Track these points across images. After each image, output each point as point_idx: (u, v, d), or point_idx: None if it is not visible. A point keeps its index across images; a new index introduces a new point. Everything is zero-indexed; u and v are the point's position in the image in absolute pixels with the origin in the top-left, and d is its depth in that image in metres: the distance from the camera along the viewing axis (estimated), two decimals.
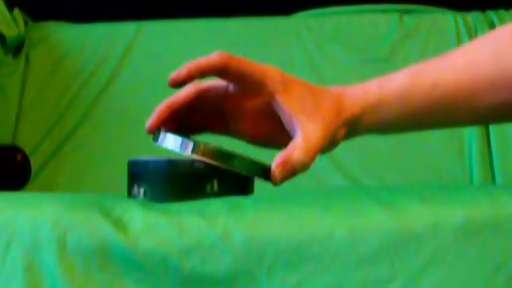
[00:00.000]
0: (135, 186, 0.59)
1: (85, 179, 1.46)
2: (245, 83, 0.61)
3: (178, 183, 0.58)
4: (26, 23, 1.58)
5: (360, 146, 1.42)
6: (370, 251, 0.47)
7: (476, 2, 1.53)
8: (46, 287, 0.47)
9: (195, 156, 0.57)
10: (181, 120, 0.63)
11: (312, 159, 0.60)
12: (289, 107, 0.60)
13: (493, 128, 1.41)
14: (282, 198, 0.54)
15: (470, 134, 1.41)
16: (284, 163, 0.59)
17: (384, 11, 1.55)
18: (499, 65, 0.60)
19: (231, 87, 0.63)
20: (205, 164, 0.57)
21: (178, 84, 0.60)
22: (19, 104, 1.52)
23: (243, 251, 0.47)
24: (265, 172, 0.59)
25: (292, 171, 0.59)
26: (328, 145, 0.62)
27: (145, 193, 0.58)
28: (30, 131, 1.50)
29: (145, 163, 0.59)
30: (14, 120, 1.50)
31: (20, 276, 0.47)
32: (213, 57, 0.60)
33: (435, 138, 1.42)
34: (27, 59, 1.56)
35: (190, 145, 0.58)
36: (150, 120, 0.62)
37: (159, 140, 0.60)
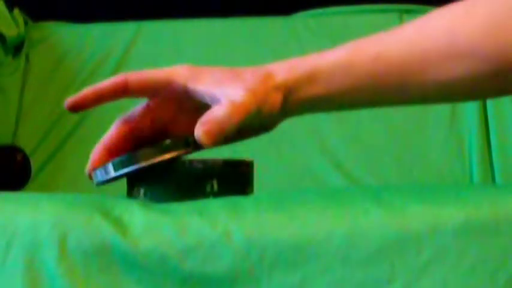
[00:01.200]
0: (135, 187, 0.59)
1: (85, 179, 1.46)
2: (155, 91, 0.60)
3: (178, 183, 0.58)
4: (26, 23, 1.58)
5: (360, 146, 1.42)
6: (370, 251, 0.47)
7: None
8: (46, 287, 0.47)
9: (119, 173, 0.57)
10: (135, 145, 0.62)
11: (238, 116, 0.55)
12: (204, 87, 0.58)
13: (493, 128, 1.41)
14: (282, 198, 0.54)
15: (470, 134, 1.42)
16: (206, 122, 0.55)
17: (383, 11, 1.55)
18: (449, 40, 0.56)
19: (150, 103, 0.61)
20: (205, 163, 0.57)
21: (75, 108, 0.61)
22: (19, 104, 1.52)
23: (243, 251, 0.47)
24: (188, 143, 0.57)
25: (219, 128, 0.54)
26: (260, 110, 0.57)
27: (145, 193, 0.58)
28: (30, 131, 1.50)
29: None
30: (14, 120, 1.50)
31: (20, 276, 0.47)
32: (109, 79, 0.60)
33: (435, 138, 1.42)
34: (27, 59, 1.56)
35: (109, 167, 0.58)
36: (89, 164, 0.62)
37: (101, 176, 0.60)
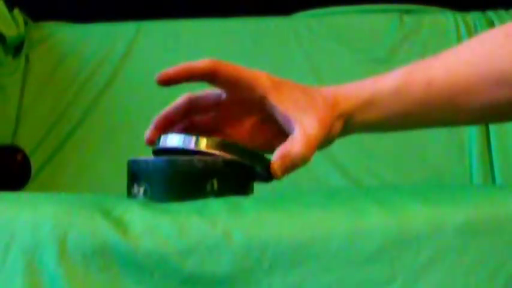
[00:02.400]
0: (135, 186, 0.59)
1: (85, 179, 1.46)
2: (235, 88, 0.61)
3: (178, 182, 0.58)
4: (26, 23, 1.57)
5: (360, 146, 1.42)
6: (370, 251, 0.47)
7: (476, 2, 1.53)
8: (46, 287, 0.47)
9: (199, 148, 0.58)
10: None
11: (311, 152, 0.60)
12: (282, 106, 0.61)
13: (493, 128, 1.41)
14: (282, 198, 0.54)
15: (470, 134, 1.42)
16: (283, 156, 0.59)
17: (384, 11, 1.55)
18: (490, 65, 0.60)
19: (223, 96, 0.63)
20: (205, 162, 0.57)
21: (166, 82, 0.61)
22: (19, 104, 1.52)
23: (243, 251, 0.47)
24: (265, 165, 0.59)
25: (292, 165, 0.59)
26: (325, 139, 0.62)
27: (145, 192, 0.58)
28: (30, 131, 1.50)
29: (145, 162, 0.59)
30: (14, 120, 1.50)
31: (20, 276, 0.47)
32: (203, 61, 0.60)
33: (435, 138, 1.42)
34: (27, 59, 1.56)
35: (193, 139, 0.58)
36: (149, 131, 0.63)
37: (161, 142, 0.60)
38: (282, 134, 0.63)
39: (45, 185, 1.44)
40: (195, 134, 0.59)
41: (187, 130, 0.65)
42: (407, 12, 1.54)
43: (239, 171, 0.60)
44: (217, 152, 0.58)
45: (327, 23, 1.54)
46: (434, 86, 0.61)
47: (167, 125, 0.63)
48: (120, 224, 0.48)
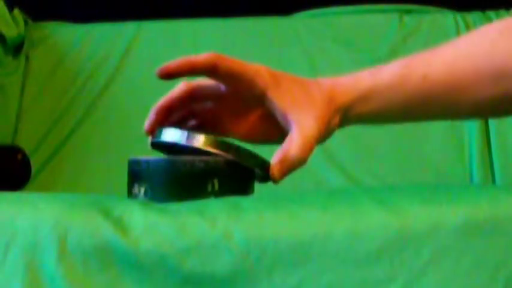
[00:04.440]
0: (136, 186, 0.59)
1: (85, 179, 1.46)
2: (236, 83, 0.61)
3: (179, 182, 0.58)
4: (26, 23, 1.57)
5: (360, 146, 1.42)
6: (370, 251, 0.47)
7: (476, 2, 1.53)
8: (46, 287, 0.47)
9: (200, 147, 0.58)
10: (175, 125, 0.64)
11: (308, 153, 0.60)
12: (281, 103, 0.61)
13: (493, 128, 1.41)
14: (282, 198, 0.54)
15: (470, 134, 1.42)
16: (282, 161, 0.60)
17: (384, 11, 1.55)
18: (486, 60, 0.60)
19: (222, 87, 0.63)
20: (206, 163, 0.57)
21: (167, 75, 0.60)
22: (19, 104, 1.52)
23: (243, 251, 0.47)
24: (264, 168, 0.59)
25: (291, 167, 0.60)
26: (323, 136, 0.62)
27: (145, 192, 0.58)
28: (30, 131, 1.50)
29: (145, 162, 0.59)
30: (14, 120, 1.50)
31: (20, 276, 0.47)
32: (204, 55, 0.60)
33: (435, 139, 1.42)
34: (27, 59, 1.56)
35: (195, 136, 0.58)
36: (149, 121, 0.63)
37: (161, 135, 0.60)
38: (279, 128, 0.63)
39: (45, 185, 1.44)
40: (194, 131, 0.59)
41: (185, 119, 0.65)
42: (407, 12, 1.54)
43: (240, 172, 0.60)
44: (216, 151, 0.58)
45: (327, 23, 1.54)
46: (430, 80, 0.61)
47: (166, 115, 0.63)
48: (120, 224, 0.48)
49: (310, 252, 0.47)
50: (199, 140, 0.58)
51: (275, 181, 0.60)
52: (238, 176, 0.60)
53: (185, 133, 0.59)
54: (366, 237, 0.47)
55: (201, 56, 0.60)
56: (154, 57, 1.52)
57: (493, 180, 1.38)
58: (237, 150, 0.59)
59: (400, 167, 1.41)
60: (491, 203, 0.49)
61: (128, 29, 1.57)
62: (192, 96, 0.63)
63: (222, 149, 0.58)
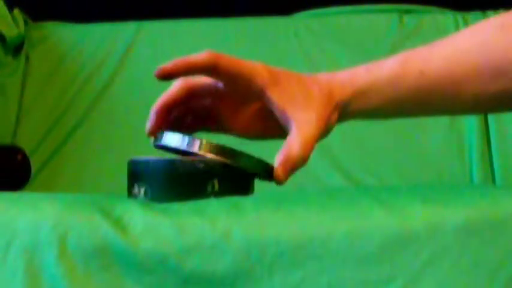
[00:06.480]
0: (136, 186, 0.59)
1: (85, 179, 1.46)
2: (234, 81, 0.61)
3: (178, 182, 0.58)
4: (26, 23, 1.57)
5: (360, 146, 1.42)
6: (370, 251, 0.47)
7: (476, 2, 1.53)
8: (46, 287, 0.47)
9: (202, 153, 0.58)
10: (174, 122, 0.64)
11: (310, 152, 0.60)
12: (280, 101, 0.61)
13: (493, 128, 1.41)
14: (282, 198, 0.54)
15: (470, 134, 1.42)
16: (285, 162, 0.60)
17: (383, 11, 1.55)
18: (485, 55, 0.60)
19: (220, 85, 0.63)
20: (206, 163, 0.57)
21: (165, 76, 0.60)
22: (19, 104, 1.52)
23: (243, 251, 0.47)
24: (267, 171, 0.59)
25: (294, 168, 0.60)
26: (323, 134, 0.62)
27: (145, 193, 0.58)
28: (30, 131, 1.50)
29: (145, 163, 0.59)
30: (14, 120, 1.50)
31: (20, 276, 0.47)
32: (202, 55, 0.59)
33: (435, 138, 1.42)
34: (27, 59, 1.56)
35: (197, 142, 0.58)
36: (150, 122, 0.63)
37: (163, 139, 0.60)
38: (277, 123, 0.62)
39: (45, 185, 1.44)
40: (194, 136, 0.59)
41: (184, 116, 0.65)
42: (407, 12, 1.54)
43: (240, 172, 0.60)
44: (217, 158, 0.58)
45: (327, 23, 1.54)
46: (427, 76, 0.61)
47: (166, 114, 0.63)
48: (120, 224, 0.48)
49: (310, 252, 0.47)
50: (202, 147, 0.58)
51: (280, 183, 0.60)
52: (238, 176, 0.60)
53: (187, 138, 0.59)
54: (366, 237, 0.47)
55: (200, 56, 0.60)
56: (154, 57, 1.52)
57: (493, 180, 1.38)
58: (239, 156, 0.59)
59: (400, 167, 1.41)
60: (491, 203, 0.49)
61: (128, 29, 1.57)
62: (190, 94, 0.63)
63: (223, 155, 0.58)
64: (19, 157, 1.43)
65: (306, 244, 0.47)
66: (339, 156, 1.40)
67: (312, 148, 0.60)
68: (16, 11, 1.55)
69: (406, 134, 1.43)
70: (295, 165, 0.60)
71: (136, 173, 0.59)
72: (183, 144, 0.59)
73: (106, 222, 0.48)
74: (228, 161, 0.58)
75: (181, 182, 0.57)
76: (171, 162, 0.58)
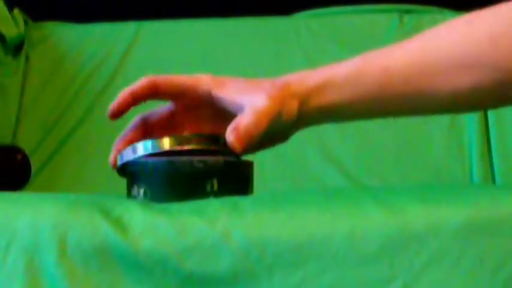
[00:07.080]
0: (135, 187, 0.59)
1: (85, 179, 1.46)
2: (180, 94, 0.63)
3: (178, 183, 0.58)
4: (26, 23, 1.57)
5: (360, 146, 1.42)
6: (370, 251, 0.47)
7: (476, 2, 1.53)
8: (46, 287, 0.47)
9: (165, 149, 0.59)
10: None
11: (264, 120, 0.59)
12: (228, 95, 0.62)
13: (493, 128, 1.41)
14: (282, 198, 0.54)
15: (470, 134, 1.42)
16: (235, 129, 0.59)
17: (383, 11, 1.55)
18: (452, 51, 0.59)
19: (172, 106, 0.65)
20: (205, 163, 0.57)
21: (118, 115, 0.64)
22: (19, 104, 1.52)
23: (243, 251, 0.47)
24: (224, 144, 0.59)
25: (246, 134, 0.58)
26: (280, 114, 0.60)
27: (145, 193, 0.58)
28: (30, 131, 1.50)
29: (145, 163, 0.59)
30: (14, 120, 1.50)
31: (20, 276, 0.47)
32: (140, 82, 0.62)
33: (435, 139, 1.42)
34: (27, 59, 1.56)
35: (149, 143, 0.60)
36: (112, 156, 0.66)
37: (122, 158, 0.62)
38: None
39: (45, 185, 1.44)
40: (150, 139, 0.61)
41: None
42: (407, 12, 1.54)
43: (239, 172, 0.60)
44: (177, 148, 0.59)
45: (327, 23, 1.54)
46: (391, 71, 0.60)
47: (127, 146, 0.64)
48: (120, 224, 0.48)
49: (310, 252, 0.47)
50: (165, 143, 0.59)
51: (237, 150, 0.59)
52: (238, 176, 0.60)
53: (146, 143, 0.60)
54: (366, 237, 0.47)
55: (138, 83, 0.62)
56: (154, 57, 1.52)
57: (493, 180, 1.38)
58: (199, 137, 0.60)
59: (400, 167, 1.41)
60: (491, 203, 0.49)
61: (128, 29, 1.57)
62: (148, 125, 0.66)
63: (184, 143, 0.60)
64: (19, 157, 1.43)
65: (306, 244, 0.47)
66: (339, 156, 1.39)
67: (266, 117, 0.59)
68: (16, 11, 1.55)
69: (406, 134, 1.43)
70: (247, 131, 0.58)
71: (135, 174, 0.59)
72: (143, 150, 0.60)
73: (106, 222, 0.48)
74: (190, 147, 0.59)
75: (180, 182, 0.57)
76: (170, 162, 0.58)
